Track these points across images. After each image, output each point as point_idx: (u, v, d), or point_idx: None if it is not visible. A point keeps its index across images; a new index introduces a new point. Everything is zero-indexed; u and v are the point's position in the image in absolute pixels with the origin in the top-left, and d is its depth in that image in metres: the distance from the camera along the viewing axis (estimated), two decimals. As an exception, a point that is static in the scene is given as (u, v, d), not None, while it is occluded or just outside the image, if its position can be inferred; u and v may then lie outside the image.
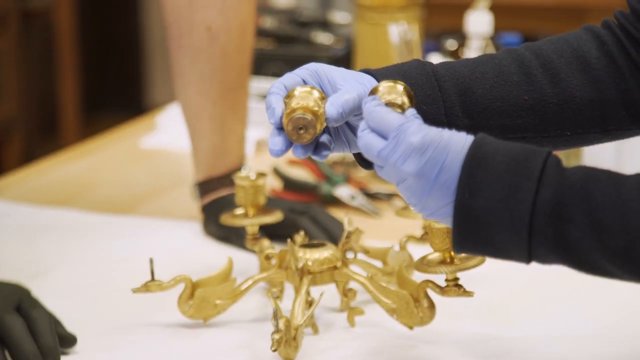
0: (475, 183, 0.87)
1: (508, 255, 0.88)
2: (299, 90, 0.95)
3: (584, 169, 0.87)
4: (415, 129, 0.89)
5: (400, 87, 0.95)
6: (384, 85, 0.94)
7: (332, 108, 0.94)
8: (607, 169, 0.87)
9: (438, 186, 0.88)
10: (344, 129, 0.99)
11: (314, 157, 0.97)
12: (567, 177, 0.86)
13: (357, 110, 0.95)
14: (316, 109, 0.94)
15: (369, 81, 0.99)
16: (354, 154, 1.02)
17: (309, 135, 0.94)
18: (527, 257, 0.88)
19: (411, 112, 0.93)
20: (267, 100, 0.96)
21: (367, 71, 1.00)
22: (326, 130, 0.98)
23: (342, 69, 0.99)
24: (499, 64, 1.03)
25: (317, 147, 0.97)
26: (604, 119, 1.04)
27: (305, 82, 0.97)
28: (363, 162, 1.01)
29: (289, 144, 0.95)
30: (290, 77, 0.98)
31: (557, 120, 1.03)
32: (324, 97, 0.96)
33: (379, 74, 1.00)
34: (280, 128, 0.95)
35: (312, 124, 0.94)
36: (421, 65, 1.01)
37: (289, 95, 0.95)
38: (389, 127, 0.90)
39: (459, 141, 0.89)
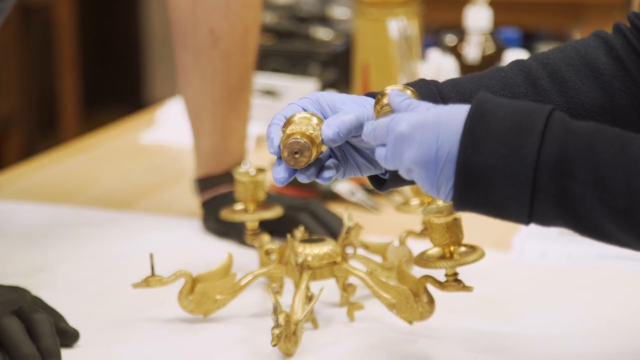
0: (477, 140, 0.86)
1: (508, 213, 0.88)
2: (297, 117, 0.97)
3: (591, 125, 0.86)
4: (400, 120, 0.90)
5: (408, 92, 0.96)
6: (392, 88, 0.96)
7: (328, 129, 0.95)
8: (616, 128, 0.87)
9: (441, 163, 0.88)
10: (352, 153, 0.99)
11: (318, 181, 0.98)
12: (572, 133, 0.86)
13: (356, 132, 0.96)
14: (311, 131, 0.95)
15: (369, 103, 0.99)
16: (368, 178, 1.02)
17: (304, 158, 0.95)
18: (527, 215, 0.87)
19: (401, 98, 0.93)
20: (267, 132, 0.98)
21: (371, 94, 1.01)
22: (333, 154, 0.99)
23: (343, 95, 1.00)
24: (505, 77, 1.03)
25: (321, 170, 0.98)
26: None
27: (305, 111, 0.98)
28: (376, 183, 1.01)
29: (292, 171, 0.96)
30: (291, 108, 0.99)
31: None
32: (321, 121, 0.97)
33: None
34: (280, 156, 0.97)
35: (306, 147, 0.95)
36: (425, 84, 1.02)
37: (286, 123, 0.97)
38: (383, 132, 0.91)
39: (449, 113, 0.89)
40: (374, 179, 1.02)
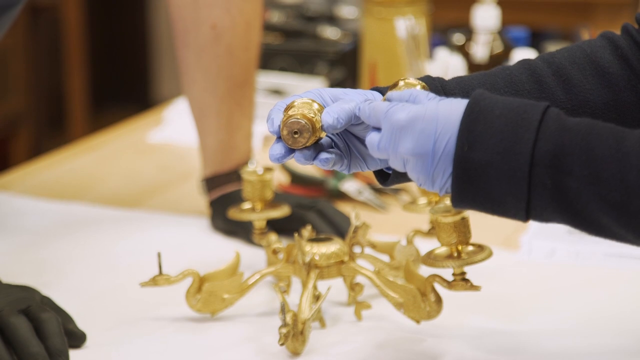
0: (474, 137, 0.87)
1: (506, 209, 0.88)
2: (298, 102, 0.97)
3: (586, 121, 0.87)
4: (399, 109, 0.90)
5: (418, 86, 0.96)
6: (404, 82, 0.96)
7: (328, 115, 0.96)
8: (610, 124, 0.87)
9: (438, 156, 0.89)
10: (357, 145, 0.99)
11: (315, 164, 0.98)
12: (567, 129, 0.87)
13: (356, 120, 0.96)
14: (312, 115, 0.96)
15: (372, 94, 0.99)
16: (373, 172, 1.02)
17: (303, 139, 0.96)
18: (524, 210, 0.88)
19: (407, 93, 0.93)
20: (268, 114, 0.98)
21: (377, 89, 1.01)
22: (335, 145, 0.99)
23: (347, 89, 1.01)
24: (510, 75, 1.03)
25: (319, 154, 0.98)
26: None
27: None
28: (380, 178, 1.02)
29: (289, 151, 0.97)
30: (294, 98, 0.99)
31: None
32: (323, 108, 0.97)
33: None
34: (279, 137, 0.97)
35: (306, 127, 0.96)
36: (430, 80, 1.02)
37: (288, 107, 0.97)
38: (379, 117, 0.92)
39: (448, 107, 0.89)
40: (378, 173, 1.02)
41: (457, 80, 1.03)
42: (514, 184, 0.87)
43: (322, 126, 0.96)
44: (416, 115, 0.90)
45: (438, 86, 1.02)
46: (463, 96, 1.01)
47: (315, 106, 0.97)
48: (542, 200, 0.87)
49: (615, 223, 0.86)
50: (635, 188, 0.84)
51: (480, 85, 1.02)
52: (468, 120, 0.88)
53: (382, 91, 1.01)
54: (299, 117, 0.96)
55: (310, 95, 0.99)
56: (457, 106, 0.90)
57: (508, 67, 1.05)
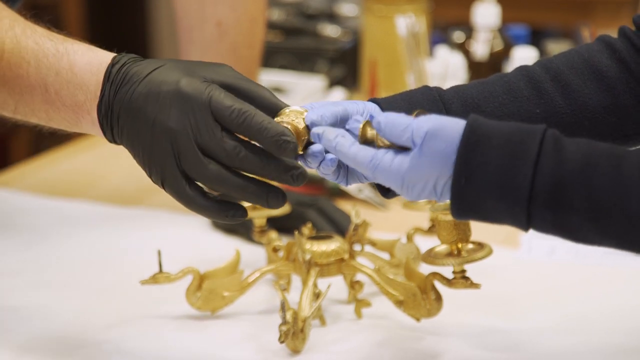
0: (471, 169, 0.87)
1: (508, 224, 0.89)
2: (287, 109, 0.97)
3: (583, 147, 0.87)
4: (388, 171, 0.91)
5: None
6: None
7: (312, 113, 0.96)
8: (608, 145, 0.87)
9: (439, 192, 0.90)
10: None
11: (322, 166, 0.97)
12: (566, 159, 0.86)
13: (342, 124, 0.97)
14: (296, 122, 0.95)
15: (364, 104, 0.99)
16: (375, 185, 1.02)
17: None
18: (525, 230, 0.89)
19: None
20: None
21: (374, 100, 1.01)
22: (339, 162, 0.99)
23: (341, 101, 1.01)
24: (508, 82, 1.03)
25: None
26: (622, 125, 1.04)
27: None
28: (382, 190, 1.02)
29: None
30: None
31: (573, 130, 1.03)
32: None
33: (385, 102, 1.00)
34: None
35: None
36: (428, 90, 1.02)
37: (277, 115, 0.97)
38: (367, 173, 0.92)
39: (442, 143, 0.89)
40: (379, 186, 1.02)
41: (455, 89, 1.03)
42: (514, 215, 0.87)
43: (306, 126, 0.96)
44: (411, 169, 0.90)
45: (436, 96, 1.02)
46: (462, 106, 1.01)
47: (295, 115, 0.97)
48: (543, 229, 0.88)
49: (618, 247, 0.87)
50: (636, 218, 0.84)
51: (478, 94, 1.02)
52: (465, 150, 0.88)
53: (378, 102, 1.00)
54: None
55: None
56: (452, 139, 0.88)
57: (506, 74, 1.05)
